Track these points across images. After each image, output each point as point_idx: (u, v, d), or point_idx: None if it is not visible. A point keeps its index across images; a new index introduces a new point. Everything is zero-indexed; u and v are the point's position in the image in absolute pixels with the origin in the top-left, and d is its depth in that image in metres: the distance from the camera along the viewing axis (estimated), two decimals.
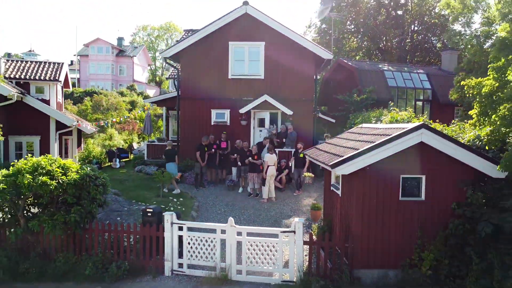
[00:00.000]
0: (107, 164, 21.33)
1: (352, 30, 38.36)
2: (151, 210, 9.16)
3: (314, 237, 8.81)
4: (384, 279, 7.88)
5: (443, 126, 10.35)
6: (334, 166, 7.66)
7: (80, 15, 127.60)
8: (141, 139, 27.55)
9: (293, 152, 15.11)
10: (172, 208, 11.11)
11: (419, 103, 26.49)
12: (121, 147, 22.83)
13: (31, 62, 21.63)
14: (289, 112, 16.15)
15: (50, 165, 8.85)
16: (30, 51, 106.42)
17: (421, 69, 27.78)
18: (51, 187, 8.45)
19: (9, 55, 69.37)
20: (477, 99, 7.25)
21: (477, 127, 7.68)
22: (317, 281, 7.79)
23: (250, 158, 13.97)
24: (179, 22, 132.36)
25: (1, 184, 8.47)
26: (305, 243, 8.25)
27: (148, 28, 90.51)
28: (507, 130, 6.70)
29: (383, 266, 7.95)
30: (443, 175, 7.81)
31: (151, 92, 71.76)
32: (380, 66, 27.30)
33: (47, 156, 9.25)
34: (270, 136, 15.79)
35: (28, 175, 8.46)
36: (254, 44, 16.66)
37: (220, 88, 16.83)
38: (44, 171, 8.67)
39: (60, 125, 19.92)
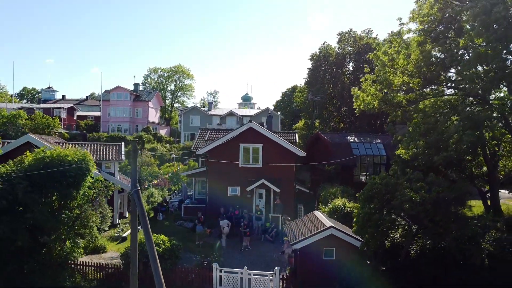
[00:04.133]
0: (151, 215, 30.54)
1: (332, 96, 48.25)
2: (206, 262, 18.41)
3: (287, 274, 17.98)
4: None
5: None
6: (292, 244, 16.94)
7: (100, 57, 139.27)
8: (170, 192, 36.81)
9: (280, 217, 24.38)
10: (214, 259, 20.13)
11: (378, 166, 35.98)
12: (160, 202, 32.05)
13: (101, 144, 30.96)
14: (277, 190, 25.52)
15: (157, 239, 18.11)
16: (49, 87, 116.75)
17: (379, 139, 37.28)
18: (159, 251, 17.66)
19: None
20: (354, 219, 16.61)
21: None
22: None
23: (242, 228, 23.11)
24: (188, 63, 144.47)
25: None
26: (280, 279, 17.46)
27: (158, 70, 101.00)
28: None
29: None
30: (343, 247, 17.05)
31: (163, 131, 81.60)
32: (348, 137, 36.87)
33: (154, 235, 18.51)
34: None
35: None
36: (256, 145, 26.22)
37: (234, 172, 26.25)
38: (155, 243, 17.89)
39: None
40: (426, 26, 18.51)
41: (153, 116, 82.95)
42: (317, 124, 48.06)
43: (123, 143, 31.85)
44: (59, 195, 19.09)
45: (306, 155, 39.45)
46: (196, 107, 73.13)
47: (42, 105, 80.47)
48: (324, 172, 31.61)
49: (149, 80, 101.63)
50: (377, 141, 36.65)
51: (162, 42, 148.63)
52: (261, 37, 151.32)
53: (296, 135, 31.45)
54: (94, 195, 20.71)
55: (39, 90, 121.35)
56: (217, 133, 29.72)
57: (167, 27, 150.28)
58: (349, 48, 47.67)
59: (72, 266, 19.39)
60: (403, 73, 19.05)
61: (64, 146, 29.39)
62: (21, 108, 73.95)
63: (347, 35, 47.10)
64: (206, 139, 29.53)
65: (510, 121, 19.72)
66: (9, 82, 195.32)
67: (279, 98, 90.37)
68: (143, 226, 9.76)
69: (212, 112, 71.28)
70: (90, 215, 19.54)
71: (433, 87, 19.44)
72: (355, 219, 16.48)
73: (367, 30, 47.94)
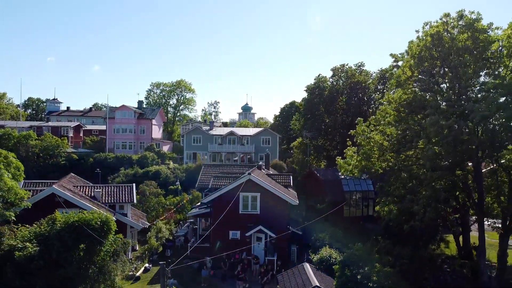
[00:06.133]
0: (160, 251, 33.91)
1: (326, 126, 51.56)
2: None
3: None
4: None
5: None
6: None
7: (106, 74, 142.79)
8: (176, 224, 40.13)
9: (274, 261, 27.73)
10: None
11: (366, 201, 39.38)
12: (167, 237, 35.30)
13: (114, 186, 34.26)
14: (273, 235, 28.86)
15: None
16: (54, 99, 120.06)
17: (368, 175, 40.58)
18: None
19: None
20: (335, 283, 19.94)
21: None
22: None
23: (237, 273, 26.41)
24: (188, 73, 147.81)
25: None
26: None
27: (161, 85, 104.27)
28: None
29: None
30: None
31: (166, 147, 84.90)
32: (339, 173, 40.15)
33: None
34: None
35: None
36: (254, 194, 29.55)
37: (234, 219, 29.58)
38: None
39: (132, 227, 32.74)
40: (399, 107, 21.83)
41: (157, 132, 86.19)
42: (312, 152, 51.36)
43: (134, 185, 35.15)
44: (86, 252, 22.44)
45: (300, 187, 42.89)
46: (198, 128, 76.45)
47: (50, 123, 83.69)
48: (316, 210, 34.91)
49: (152, 94, 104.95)
50: (366, 177, 39.92)
51: (164, 50, 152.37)
52: (261, 46, 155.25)
53: (291, 177, 34.78)
54: (114, 250, 24.05)
55: (43, 100, 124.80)
56: (221, 181, 33.07)
57: (168, 36, 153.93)
58: (342, 80, 50.94)
59: None
60: (379, 149, 22.40)
61: (81, 190, 32.77)
62: (30, 127, 77.36)
63: (340, 69, 50.35)
64: (209, 186, 32.93)
65: (470, 182, 23.06)
66: (15, 93, 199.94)
67: (277, 113, 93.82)
68: None
69: (213, 132, 74.57)
70: (112, 268, 22.88)
71: (406, 157, 22.78)
72: (335, 282, 19.84)
73: (359, 64, 51.21)
